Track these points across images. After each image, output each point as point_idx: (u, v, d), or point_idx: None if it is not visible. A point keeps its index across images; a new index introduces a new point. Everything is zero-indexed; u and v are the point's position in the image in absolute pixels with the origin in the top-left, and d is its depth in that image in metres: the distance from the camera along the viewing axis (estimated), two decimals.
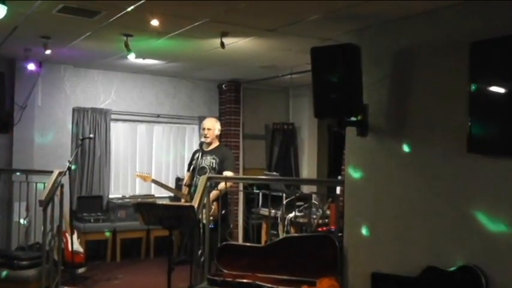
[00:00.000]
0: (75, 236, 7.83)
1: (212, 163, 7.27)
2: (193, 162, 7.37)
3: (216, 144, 7.47)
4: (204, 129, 7.44)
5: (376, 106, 5.02)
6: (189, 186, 7.27)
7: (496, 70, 3.96)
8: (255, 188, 8.50)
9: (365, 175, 5.20)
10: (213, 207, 6.87)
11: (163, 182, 8.18)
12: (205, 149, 7.38)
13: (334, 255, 5.38)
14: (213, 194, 6.83)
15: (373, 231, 5.13)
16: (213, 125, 7.44)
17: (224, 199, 7.16)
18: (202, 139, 7.44)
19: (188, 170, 7.51)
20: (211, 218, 6.49)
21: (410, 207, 4.74)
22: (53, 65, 8.73)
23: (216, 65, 8.55)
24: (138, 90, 9.71)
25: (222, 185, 6.89)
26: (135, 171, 9.54)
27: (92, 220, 8.66)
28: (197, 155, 7.37)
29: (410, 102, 4.76)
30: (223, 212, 6.97)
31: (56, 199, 6.62)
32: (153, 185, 9.49)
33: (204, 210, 6.25)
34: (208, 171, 7.13)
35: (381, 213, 5.03)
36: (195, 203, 5.92)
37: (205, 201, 6.20)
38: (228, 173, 7.13)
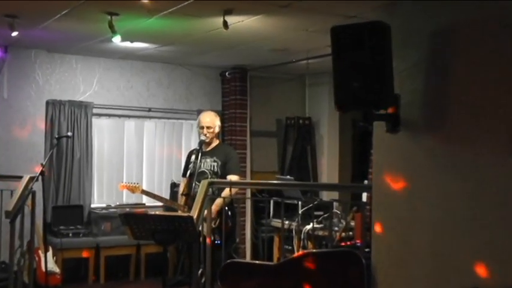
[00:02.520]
0: (49, 254, 7.85)
1: (213, 166, 7.24)
2: (190, 165, 7.32)
3: (216, 142, 7.45)
4: (202, 127, 7.37)
5: (409, 96, 5.00)
6: (187, 195, 7.19)
7: None
8: (265, 194, 8.51)
9: (396, 179, 5.19)
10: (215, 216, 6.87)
11: (155, 191, 8.20)
12: (204, 149, 7.34)
13: (359, 274, 5.37)
14: (216, 203, 6.82)
15: (406, 246, 5.12)
16: (213, 122, 7.40)
17: (229, 209, 7.16)
18: (202, 137, 7.37)
19: (184, 175, 7.45)
20: (213, 230, 6.50)
21: (452, 218, 4.73)
22: (21, 49, 8.75)
23: (218, 49, 8.55)
24: (126, 79, 9.73)
25: (226, 192, 6.88)
26: (122, 177, 9.56)
27: (70, 234, 8.68)
28: (193, 156, 7.31)
29: (451, 92, 4.75)
30: (228, 224, 6.97)
31: (27, 209, 6.62)
32: None
33: (205, 222, 6.25)
34: (209, 177, 7.10)
35: (416, 225, 5.02)
36: (194, 214, 5.91)
37: (206, 211, 6.20)
38: (232, 177, 7.11)
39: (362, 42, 4.65)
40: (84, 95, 9.35)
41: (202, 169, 7.22)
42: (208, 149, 7.36)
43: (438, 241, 4.84)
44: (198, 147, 7.34)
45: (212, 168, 7.24)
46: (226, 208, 6.94)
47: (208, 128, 7.34)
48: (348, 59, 4.72)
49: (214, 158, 7.29)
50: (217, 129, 7.42)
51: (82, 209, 9.06)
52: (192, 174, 7.17)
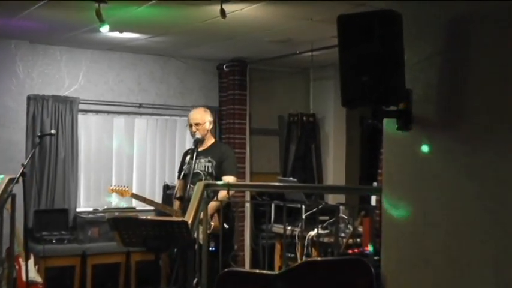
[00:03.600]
0: (31, 262, 7.85)
1: (207, 167, 7.22)
2: (185, 167, 7.32)
3: (210, 141, 7.42)
4: (191, 125, 7.37)
5: (422, 91, 5.00)
6: (181, 199, 7.20)
7: None
8: (265, 198, 8.51)
9: (409, 180, 5.19)
10: (212, 223, 6.87)
11: (147, 193, 8.20)
12: (198, 149, 7.32)
13: (368, 285, 5.37)
14: (212, 206, 6.82)
15: (420, 253, 5.11)
16: (202, 118, 7.37)
17: (226, 213, 7.14)
18: (197, 135, 7.35)
19: (179, 177, 7.47)
20: (209, 236, 6.50)
21: (470, 222, 4.72)
22: (0, 40, 8.75)
23: (215, 40, 8.55)
24: (115, 73, 9.74)
25: (222, 194, 6.86)
26: (110, 179, 9.58)
27: (53, 241, 8.68)
28: (188, 157, 7.30)
29: (468, 86, 4.74)
30: (225, 229, 6.96)
31: (6, 214, 6.62)
32: None
33: (200, 227, 6.25)
34: (203, 179, 7.09)
35: (431, 230, 5.02)
36: (189, 218, 5.91)
37: (201, 215, 6.20)
38: (227, 179, 7.09)
39: (371, 32, 4.64)
40: (69, 89, 9.35)
41: (196, 170, 7.20)
42: (202, 149, 7.33)
43: (455, 247, 4.83)
44: (193, 147, 7.29)
45: (206, 169, 7.22)
46: (223, 212, 6.91)
47: (197, 125, 7.31)
48: (355, 51, 4.72)
49: (209, 158, 7.26)
50: (208, 126, 7.38)
51: (67, 213, 9.07)
52: (187, 176, 7.16)
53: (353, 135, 10.83)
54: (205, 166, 7.24)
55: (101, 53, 9.57)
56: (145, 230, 5.46)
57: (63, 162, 9.12)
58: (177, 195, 7.31)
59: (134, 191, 8.04)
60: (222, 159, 7.27)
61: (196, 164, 7.22)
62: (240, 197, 9.19)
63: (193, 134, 7.34)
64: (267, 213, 8.59)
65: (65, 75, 9.34)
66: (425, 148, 4.80)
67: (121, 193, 7.57)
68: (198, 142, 7.29)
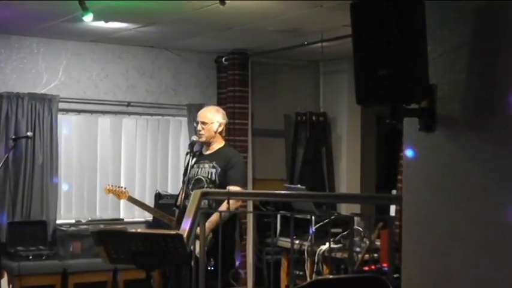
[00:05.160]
0: (4, 281, 7.87)
1: (211, 174, 7.16)
2: (187, 171, 7.25)
3: (218, 145, 7.34)
4: (197, 123, 7.30)
5: (448, 87, 5.00)
6: (178, 208, 7.15)
7: None
8: (270, 208, 8.51)
9: (433, 188, 5.19)
10: (210, 236, 6.85)
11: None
12: (203, 152, 7.30)
13: None
14: (213, 219, 6.78)
15: (445, 270, 5.11)
16: (210, 117, 7.28)
17: (227, 226, 7.11)
18: (194, 137, 7.31)
19: (183, 183, 7.39)
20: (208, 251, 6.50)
21: (502, 235, 4.72)
22: None
23: (213, 30, 8.56)
24: (99, 67, 9.75)
25: (223, 206, 6.83)
26: (95, 186, 9.58)
27: (30, 257, 8.68)
28: (188, 158, 7.19)
29: (499, 81, 4.74)
30: (224, 244, 6.93)
31: None
32: (122, 206, 9.50)
33: (197, 241, 6.26)
34: (205, 186, 7.07)
35: (458, 244, 5.01)
36: (184, 231, 5.91)
37: (198, 228, 6.20)
38: (234, 189, 7.05)
39: (389, 20, 4.64)
40: (48, 86, 9.35)
41: (199, 176, 7.17)
42: (208, 152, 7.27)
43: (484, 266, 4.83)
44: (188, 150, 7.22)
45: (209, 176, 7.15)
46: (224, 223, 6.87)
47: (203, 123, 7.21)
48: (372, 42, 4.72)
49: (214, 164, 7.18)
50: (215, 127, 7.25)
51: (45, 225, 9.06)
52: (188, 182, 7.11)
53: (369, 137, 10.83)
54: (208, 172, 7.18)
55: (84, 44, 9.58)
56: (135, 245, 5.46)
57: (41, 168, 9.12)
58: (177, 204, 7.17)
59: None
60: (228, 166, 7.14)
61: (200, 169, 7.18)
62: (243, 206, 9.18)
63: (198, 134, 7.26)
64: (272, 226, 8.56)
65: (42, 70, 9.35)
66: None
67: (118, 194, 7.62)
68: (194, 144, 7.25)
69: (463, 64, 4.97)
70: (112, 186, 7.78)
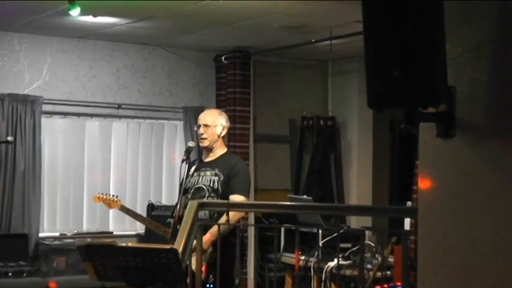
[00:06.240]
0: None
1: (213, 182, 7.15)
2: (188, 179, 7.24)
3: (221, 151, 7.33)
4: (199, 126, 7.27)
5: (468, 89, 5.00)
6: (180, 220, 7.12)
7: None
8: (273, 220, 8.51)
9: (452, 199, 5.19)
10: (209, 250, 6.85)
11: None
12: (204, 159, 7.29)
13: None
14: (214, 232, 6.74)
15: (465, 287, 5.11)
16: (213, 120, 7.27)
17: (229, 239, 7.09)
18: (199, 141, 7.26)
19: (179, 193, 7.37)
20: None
21: None
22: None
23: (212, 26, 8.57)
24: (87, 66, 9.76)
25: (224, 218, 6.79)
26: (81, 196, 9.59)
27: (10, 273, 8.68)
28: (183, 166, 7.16)
29: None
30: (225, 259, 6.91)
31: None
32: (111, 217, 9.49)
33: (192, 256, 6.26)
34: (206, 195, 7.06)
35: (479, 263, 5.01)
36: (179, 245, 5.92)
37: (195, 241, 6.20)
38: (236, 199, 7.05)
39: (405, 16, 4.65)
40: (31, 86, 9.36)
41: (199, 184, 7.16)
42: (209, 159, 7.26)
43: (509, 282, 4.83)
44: (184, 157, 7.18)
45: (211, 184, 7.13)
46: (226, 236, 6.85)
47: (205, 126, 7.17)
48: (385, 39, 4.72)
49: (216, 171, 7.16)
50: (218, 131, 7.23)
51: (27, 239, 9.06)
52: (186, 191, 7.09)
53: (382, 143, 10.84)
54: (210, 180, 7.16)
55: (70, 41, 9.59)
56: (126, 260, 5.47)
57: (22, 176, 9.12)
58: (178, 214, 7.10)
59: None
60: (231, 173, 7.14)
61: (200, 177, 7.17)
62: (243, 219, 9.18)
63: (200, 138, 7.22)
64: (276, 240, 8.58)
65: (25, 68, 9.35)
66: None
67: (109, 203, 7.57)
68: (190, 151, 7.23)
69: (484, 64, 4.98)
70: (102, 194, 7.75)
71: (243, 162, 7.59)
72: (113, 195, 7.70)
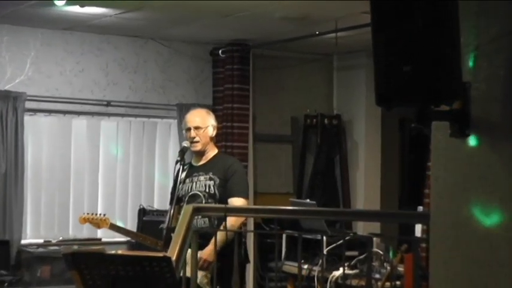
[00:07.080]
0: None
1: (209, 187, 7.12)
2: (180, 186, 7.20)
3: (212, 152, 7.31)
4: (189, 129, 7.23)
5: (484, 86, 5.00)
6: (169, 230, 7.08)
7: None
8: (274, 226, 8.51)
9: (466, 204, 5.18)
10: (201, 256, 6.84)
11: (116, 219, 8.16)
12: (195, 163, 7.25)
13: None
14: (218, 239, 6.70)
15: None
16: (203, 121, 7.24)
17: (233, 247, 7.06)
18: (191, 146, 7.20)
19: (171, 201, 7.33)
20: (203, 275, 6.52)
21: None
22: None
23: (208, 17, 8.57)
24: (74, 60, 9.76)
25: (230, 222, 6.74)
26: (67, 199, 9.59)
27: None
28: (178, 168, 7.13)
29: None
30: (229, 268, 6.90)
31: None
32: None
33: (187, 265, 6.26)
34: (203, 202, 7.03)
35: (496, 271, 5.01)
36: (173, 253, 5.91)
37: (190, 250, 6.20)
38: (236, 202, 7.02)
39: (416, 6, 4.64)
40: (12, 81, 9.36)
41: (194, 191, 7.13)
42: (201, 163, 7.21)
43: None
44: (178, 158, 7.13)
45: (207, 189, 7.10)
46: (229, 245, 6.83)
47: (197, 129, 7.14)
48: (395, 32, 4.72)
49: (210, 175, 7.13)
50: (210, 131, 7.21)
51: (8, 246, 9.06)
52: (180, 199, 7.06)
53: (391, 143, 10.85)
54: (205, 185, 7.12)
55: (56, 33, 9.59)
56: (115, 269, 5.46)
57: (3, 178, 9.12)
58: (169, 225, 7.02)
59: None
60: (227, 175, 7.10)
61: (194, 184, 7.15)
62: (243, 224, 9.18)
63: (191, 142, 7.16)
64: (277, 247, 8.57)
65: (6, 62, 9.35)
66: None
67: (97, 224, 7.43)
68: (184, 153, 7.20)
69: (502, 58, 4.97)
70: (88, 214, 7.57)
71: (238, 162, 7.54)
72: (100, 214, 7.57)
